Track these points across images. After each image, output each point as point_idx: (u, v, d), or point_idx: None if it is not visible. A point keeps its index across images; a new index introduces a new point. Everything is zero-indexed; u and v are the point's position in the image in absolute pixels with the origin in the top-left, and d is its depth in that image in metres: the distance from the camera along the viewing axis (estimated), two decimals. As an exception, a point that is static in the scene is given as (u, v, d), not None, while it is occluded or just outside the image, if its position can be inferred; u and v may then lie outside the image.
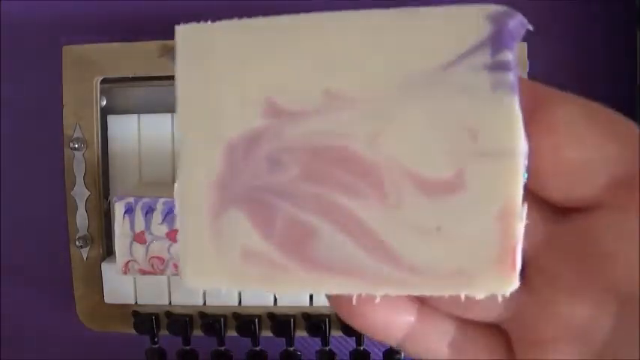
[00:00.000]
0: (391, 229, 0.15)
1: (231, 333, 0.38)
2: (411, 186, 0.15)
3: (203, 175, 0.16)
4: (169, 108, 0.37)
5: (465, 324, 0.17)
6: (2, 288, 0.44)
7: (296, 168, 0.15)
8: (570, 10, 0.39)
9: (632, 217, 0.14)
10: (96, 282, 0.38)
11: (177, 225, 0.16)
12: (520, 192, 0.15)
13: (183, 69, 0.16)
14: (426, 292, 0.15)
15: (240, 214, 0.16)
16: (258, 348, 0.38)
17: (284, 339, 0.38)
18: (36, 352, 0.44)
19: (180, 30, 0.16)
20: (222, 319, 0.37)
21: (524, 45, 0.36)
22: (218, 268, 0.16)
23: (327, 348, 0.38)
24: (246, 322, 0.37)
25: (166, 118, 0.37)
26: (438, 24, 0.15)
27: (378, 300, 0.16)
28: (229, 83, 0.16)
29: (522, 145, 0.14)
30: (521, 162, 0.15)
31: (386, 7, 0.15)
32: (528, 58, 0.36)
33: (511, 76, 0.15)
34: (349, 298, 0.16)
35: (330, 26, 0.16)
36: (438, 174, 0.15)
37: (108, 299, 0.37)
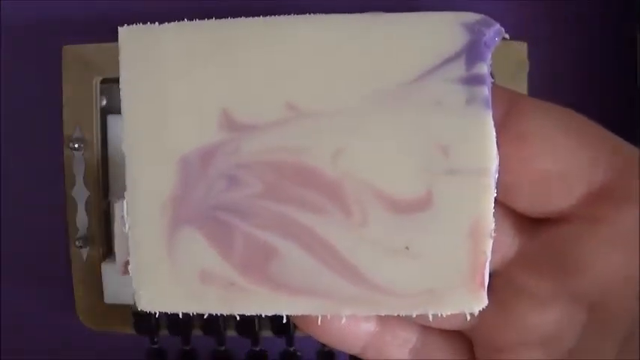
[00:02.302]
0: (357, 248, 0.14)
1: (231, 333, 0.38)
2: (377, 204, 0.14)
3: (155, 192, 0.15)
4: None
5: (427, 330, 0.17)
6: (2, 288, 0.44)
7: (255, 185, 0.14)
8: (570, 10, 0.39)
9: (605, 228, 0.14)
10: (96, 282, 0.38)
11: (130, 247, 0.15)
12: (491, 210, 0.14)
13: (128, 76, 0.15)
14: (394, 312, 0.15)
15: (197, 233, 0.15)
16: (258, 348, 0.38)
17: (284, 339, 0.38)
18: (36, 352, 0.44)
19: (124, 32, 0.15)
20: (222, 319, 0.37)
21: (524, 45, 0.36)
22: (175, 291, 0.15)
23: (327, 348, 0.38)
24: (246, 322, 0.37)
25: (166, 118, 0.37)
26: (410, 32, 0.14)
27: (343, 320, 0.15)
28: (180, 93, 0.14)
29: (495, 164, 0.14)
30: (493, 180, 0.14)
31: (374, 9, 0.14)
32: (528, 58, 0.36)
33: (486, 90, 0.14)
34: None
35: (292, 32, 0.14)
36: (406, 192, 0.14)
37: (108, 299, 0.37)
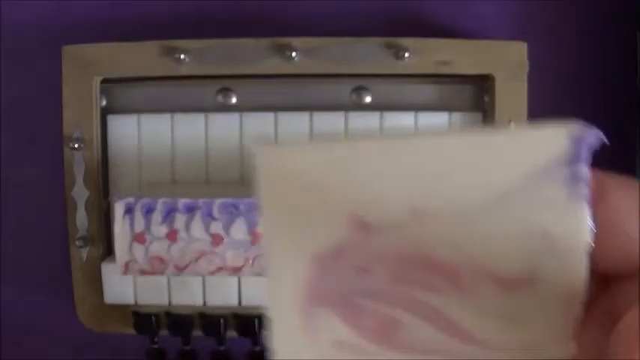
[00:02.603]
0: (469, 317, 0.17)
1: (231, 333, 0.38)
2: (487, 283, 0.17)
3: (292, 281, 0.17)
4: (169, 108, 0.37)
5: None
6: (2, 288, 0.44)
7: (382, 274, 0.17)
8: (570, 10, 0.39)
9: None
10: (96, 282, 0.38)
11: (270, 319, 0.18)
12: (586, 283, 0.17)
13: (266, 188, 0.17)
14: None
15: (330, 312, 0.17)
16: (257, 348, 0.38)
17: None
18: (36, 352, 0.44)
19: (261, 151, 0.17)
20: (222, 319, 0.37)
21: (524, 45, 0.36)
22: (309, 354, 0.18)
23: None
24: (246, 322, 0.37)
25: (166, 118, 0.37)
26: (520, 144, 0.17)
27: None
28: (314, 201, 0.17)
29: (589, 244, 0.16)
30: (588, 257, 0.16)
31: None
32: (528, 58, 0.36)
33: (585, 187, 0.16)
34: None
35: (414, 147, 0.17)
36: (513, 272, 0.17)
37: (108, 299, 0.37)
